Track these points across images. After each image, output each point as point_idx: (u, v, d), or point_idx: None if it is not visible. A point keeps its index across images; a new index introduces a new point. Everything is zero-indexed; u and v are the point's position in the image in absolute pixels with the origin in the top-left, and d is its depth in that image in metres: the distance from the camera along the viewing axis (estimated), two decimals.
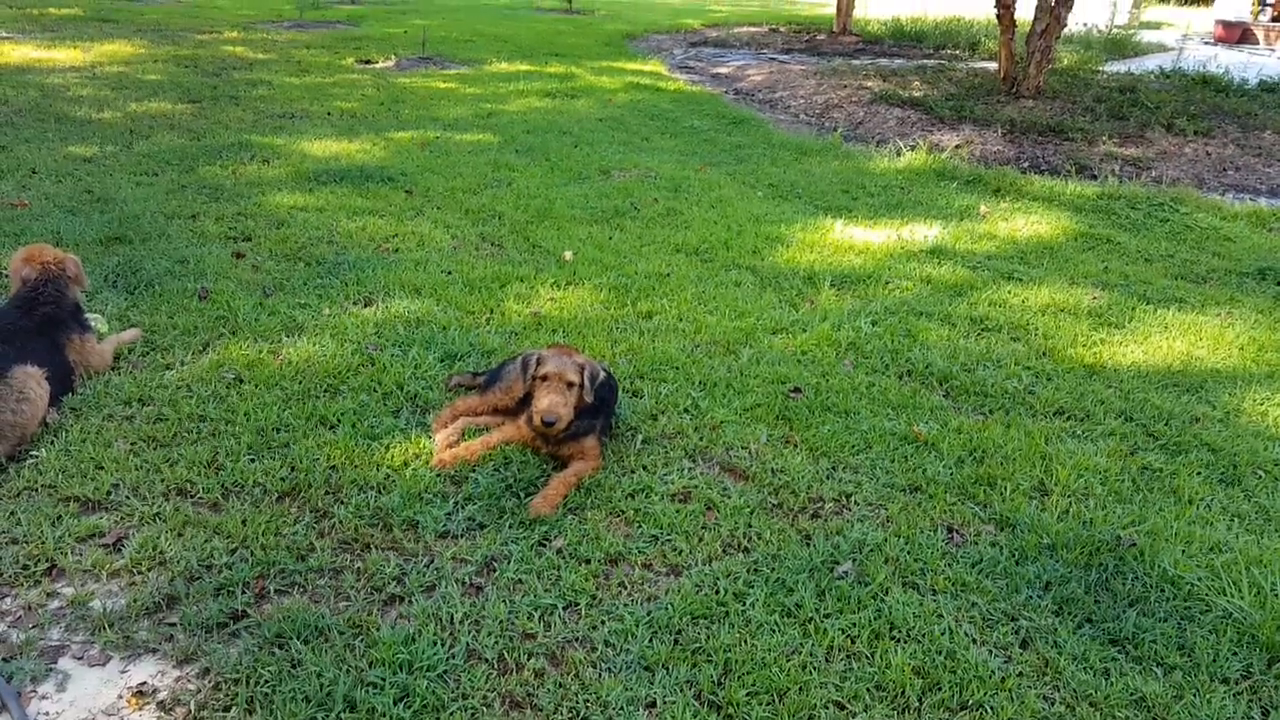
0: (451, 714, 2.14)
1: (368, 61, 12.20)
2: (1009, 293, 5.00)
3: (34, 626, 2.34)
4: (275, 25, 15.69)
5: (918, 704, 2.23)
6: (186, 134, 7.57)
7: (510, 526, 2.79)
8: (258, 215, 5.57)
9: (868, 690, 2.26)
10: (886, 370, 4.00)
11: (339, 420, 3.30)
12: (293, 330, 4.02)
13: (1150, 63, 14.39)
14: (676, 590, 2.56)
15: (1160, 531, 2.92)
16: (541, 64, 12.66)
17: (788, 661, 2.32)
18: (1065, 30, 10.88)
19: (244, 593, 2.46)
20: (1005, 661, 2.39)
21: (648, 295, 4.67)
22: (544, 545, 2.73)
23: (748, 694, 2.22)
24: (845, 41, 16.97)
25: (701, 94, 11.33)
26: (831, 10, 19.38)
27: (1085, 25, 17.83)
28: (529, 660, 2.30)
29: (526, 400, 3.13)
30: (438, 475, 2.99)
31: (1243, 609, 2.56)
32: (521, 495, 2.95)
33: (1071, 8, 10.16)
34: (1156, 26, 22.92)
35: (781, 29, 19.25)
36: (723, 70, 13.63)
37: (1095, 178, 7.85)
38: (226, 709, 2.12)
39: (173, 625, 2.36)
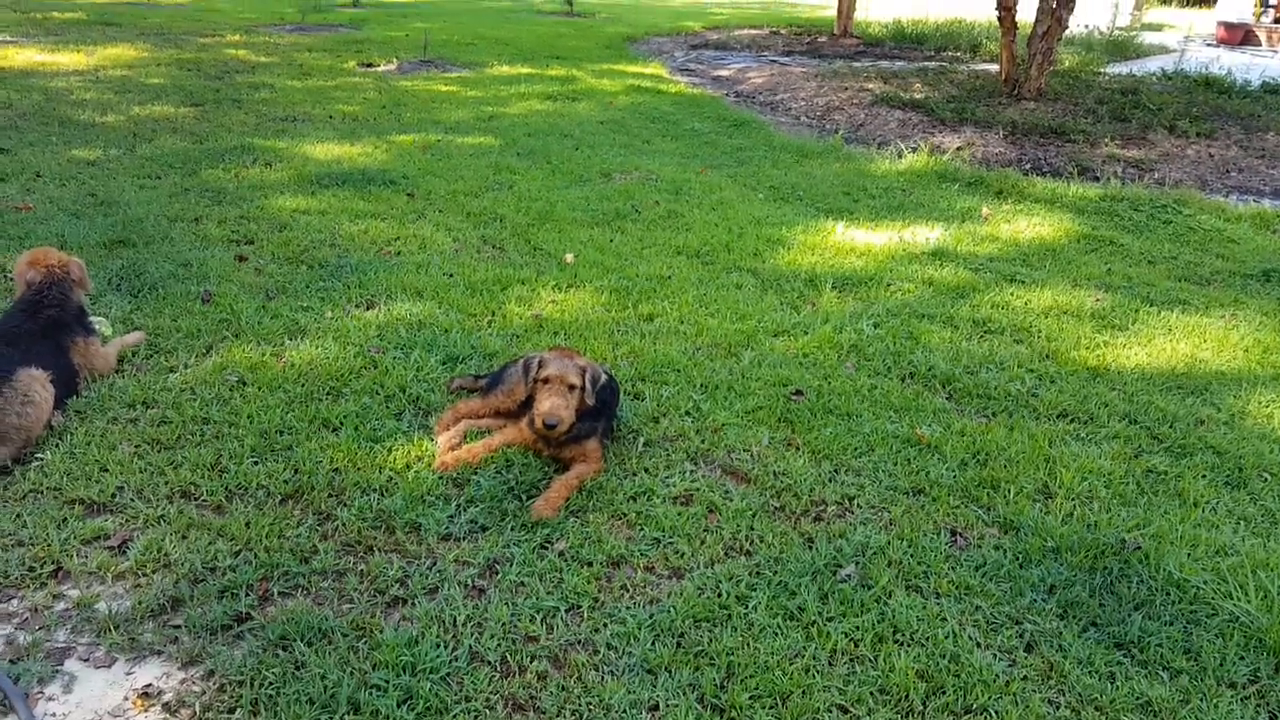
0: (454, 716, 2.14)
1: (369, 65, 12.23)
2: (1011, 295, 5.00)
3: (40, 628, 2.35)
4: (277, 28, 15.73)
5: (921, 708, 2.23)
6: (189, 137, 7.59)
7: (512, 529, 2.79)
8: (260, 218, 5.58)
9: (871, 694, 2.25)
10: (889, 373, 3.99)
11: (342, 423, 3.31)
12: (295, 333, 4.02)
13: (1152, 64, 14.38)
14: (679, 593, 2.56)
15: (1165, 534, 2.91)
16: (542, 67, 12.68)
17: (790, 665, 2.32)
18: (1066, 32, 10.88)
19: (248, 595, 2.47)
20: (1009, 665, 2.38)
21: (649, 298, 4.67)
22: (546, 548, 2.73)
23: (750, 697, 2.22)
24: (846, 44, 16.98)
25: (702, 96, 11.34)
26: (832, 13, 19.38)
27: (1087, 27, 17.82)
28: (532, 663, 2.30)
29: (528, 403, 3.13)
30: (440, 478, 3.00)
31: (1249, 612, 2.56)
32: (523, 498, 2.95)
33: (1073, 9, 10.16)
34: (1158, 28, 22.91)
35: (782, 31, 19.26)
36: (723, 73, 13.64)
37: (1097, 179, 7.84)
38: (231, 711, 2.12)
39: (177, 627, 2.36)
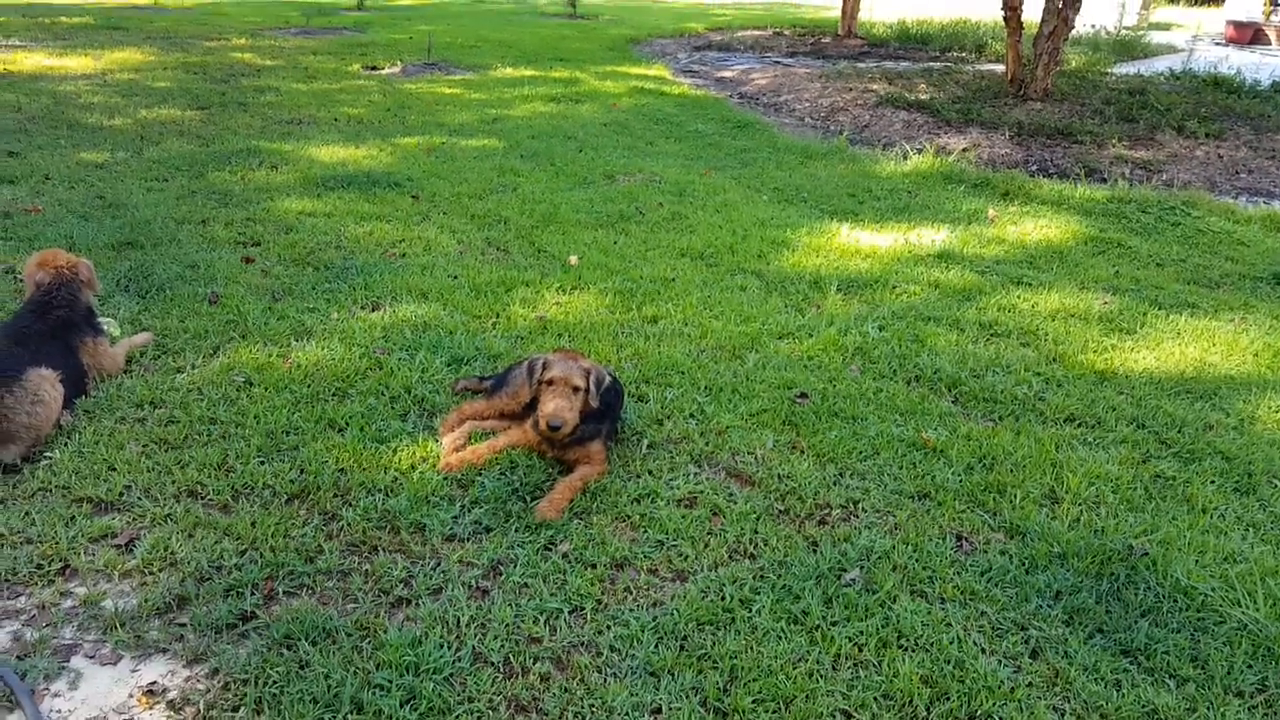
0: (457, 717, 2.14)
1: (374, 68, 12.26)
2: (1018, 297, 4.98)
3: (47, 625, 2.36)
4: (283, 32, 15.79)
5: (925, 713, 2.22)
6: (196, 140, 7.62)
7: (516, 530, 2.80)
8: (266, 220, 5.60)
9: (875, 699, 2.25)
10: (894, 376, 3.98)
11: (347, 423, 3.32)
12: (301, 334, 4.04)
13: (1160, 64, 14.33)
14: (682, 596, 2.56)
15: (1173, 541, 2.89)
16: (546, 69, 12.69)
17: (794, 669, 2.32)
18: (1073, 32, 10.83)
19: (253, 594, 2.48)
20: (1015, 671, 2.37)
21: (653, 300, 4.67)
22: (550, 549, 2.73)
23: (753, 701, 2.22)
24: (850, 44, 16.96)
25: (706, 98, 11.34)
26: (836, 13, 19.37)
27: (1093, 27, 17.77)
28: (535, 664, 2.30)
29: (533, 405, 3.14)
30: (444, 479, 3.00)
31: (1258, 620, 2.54)
32: (527, 499, 2.95)
33: (1079, 9, 10.12)
34: (1166, 27, 22.82)
35: (786, 32, 19.25)
36: (727, 74, 13.64)
37: (1105, 181, 7.81)
38: (235, 709, 2.13)
39: (183, 625, 2.37)
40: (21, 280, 3.82)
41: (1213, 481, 3.30)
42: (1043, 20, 10.16)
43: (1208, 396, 3.97)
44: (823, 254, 5.56)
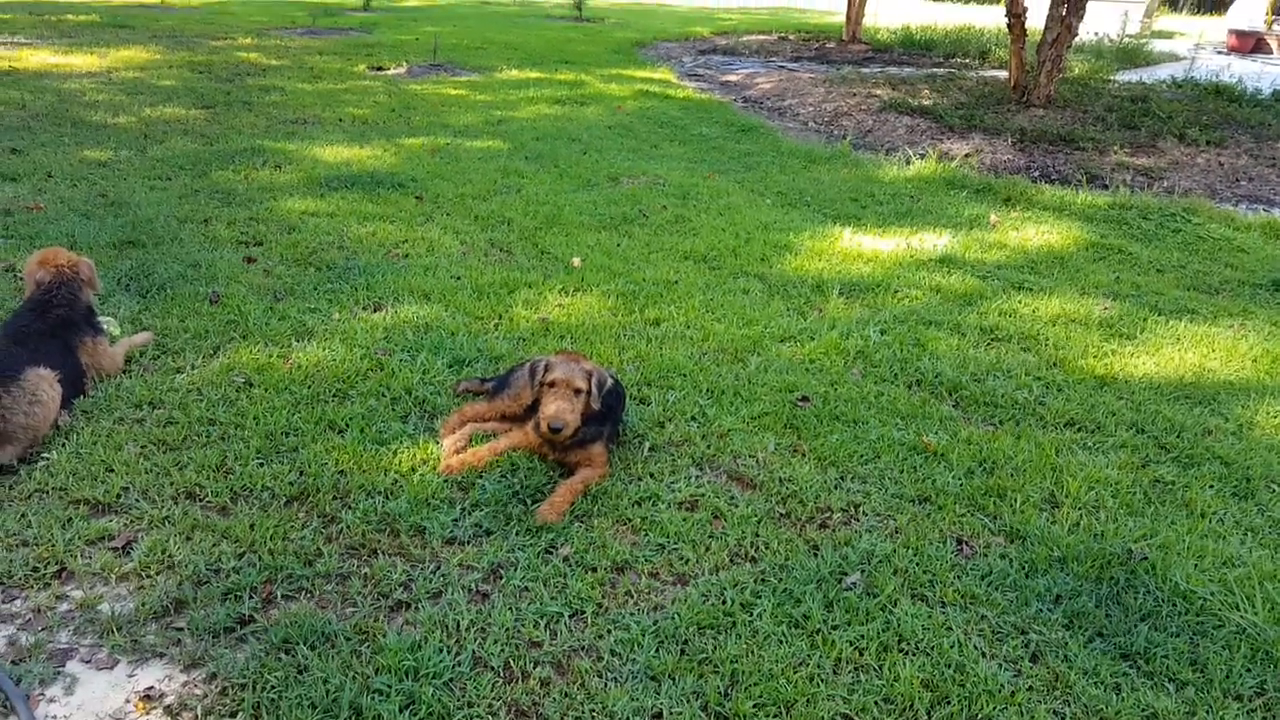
0: None
1: (379, 68, 12.28)
2: (1019, 302, 4.98)
3: (43, 629, 2.35)
4: (288, 32, 15.81)
5: (926, 717, 2.21)
6: (200, 139, 7.63)
7: (517, 533, 2.79)
8: (269, 220, 5.60)
9: (876, 703, 2.24)
10: (895, 379, 3.98)
11: (347, 425, 3.31)
12: (302, 335, 4.03)
13: (1162, 72, 14.34)
14: (683, 599, 2.55)
15: (1172, 545, 2.89)
16: (551, 71, 12.71)
17: (795, 673, 2.31)
18: (1076, 39, 10.84)
19: (251, 597, 2.47)
20: (1015, 675, 2.36)
21: (656, 302, 4.67)
22: (551, 553, 2.73)
23: (754, 705, 2.21)
24: (854, 50, 16.98)
25: (710, 101, 11.35)
26: (841, 18, 19.39)
27: (1096, 34, 17.78)
28: (535, 669, 2.29)
29: (534, 407, 3.13)
30: (445, 481, 3.00)
31: (1256, 624, 2.54)
32: (528, 502, 2.95)
33: (1083, 17, 10.14)
34: (1169, 36, 22.84)
35: (791, 37, 19.28)
36: (732, 78, 13.66)
37: (1106, 187, 7.81)
38: (233, 714, 2.12)
39: (180, 629, 2.36)
40: (21, 279, 3.82)
41: (1212, 486, 3.29)
42: (1046, 27, 10.17)
43: (1207, 402, 3.96)
44: (825, 258, 5.56)
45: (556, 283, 4.85)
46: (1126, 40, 17.78)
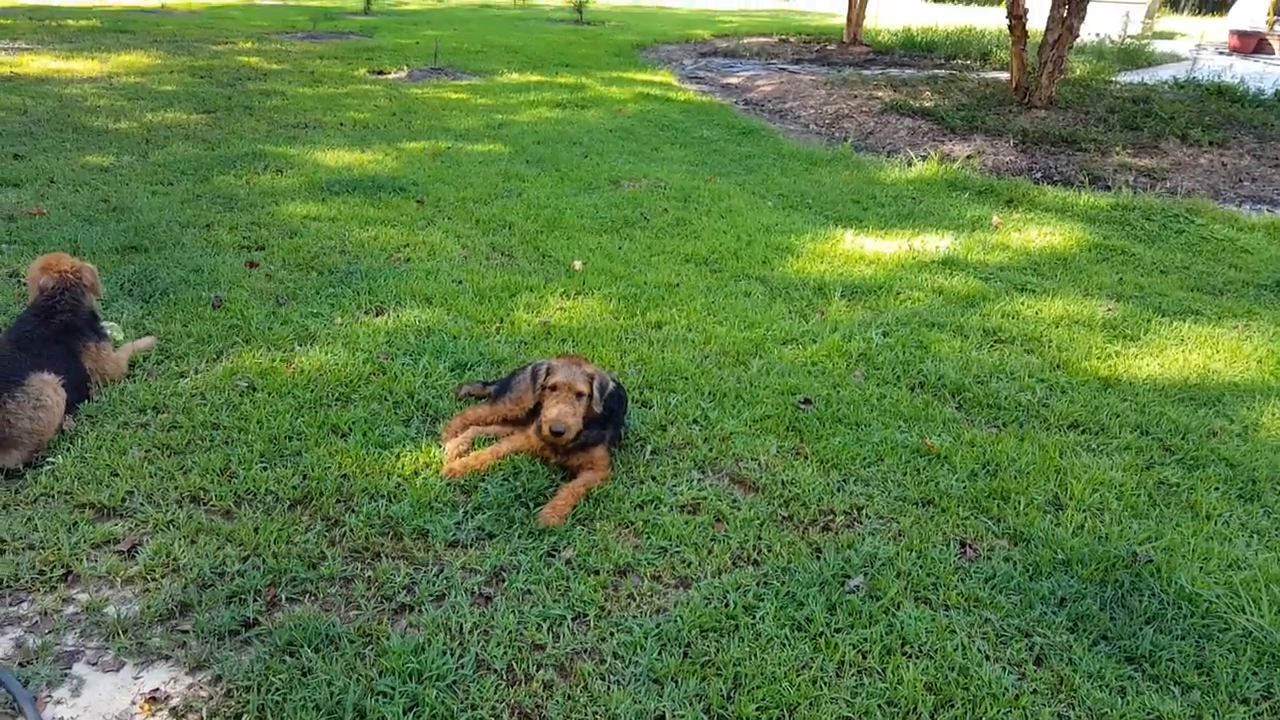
0: None
1: (380, 72, 12.30)
2: (1022, 304, 4.98)
3: (49, 632, 2.35)
4: (289, 36, 15.85)
5: None
6: (201, 144, 7.65)
7: (519, 536, 2.79)
8: (271, 225, 5.61)
9: (879, 706, 2.24)
10: (898, 382, 3.98)
11: (350, 429, 3.32)
12: (305, 339, 4.04)
13: (1164, 73, 14.34)
14: (686, 602, 2.55)
15: (1177, 547, 2.89)
16: (552, 75, 12.73)
17: (798, 676, 2.31)
18: (1078, 40, 10.84)
19: (256, 600, 2.47)
20: (1019, 679, 2.36)
21: (657, 305, 4.67)
22: (553, 556, 2.73)
23: (757, 708, 2.21)
24: (856, 52, 16.99)
25: (711, 104, 11.36)
26: (842, 20, 19.41)
27: (1098, 35, 17.78)
28: (538, 671, 2.29)
29: (536, 410, 3.13)
30: (447, 484, 3.00)
31: (1262, 627, 2.53)
32: (530, 505, 2.95)
33: (1084, 18, 10.14)
34: (1170, 36, 22.83)
35: (791, 39, 19.29)
36: (732, 80, 13.67)
37: (1109, 188, 7.81)
38: (238, 716, 2.12)
39: (185, 632, 2.37)
40: (25, 284, 3.83)
41: (1217, 488, 3.29)
42: (1047, 29, 10.17)
43: (1211, 403, 3.96)
44: (827, 260, 5.56)
45: (558, 286, 4.85)
46: (1128, 41, 17.78)
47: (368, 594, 2.54)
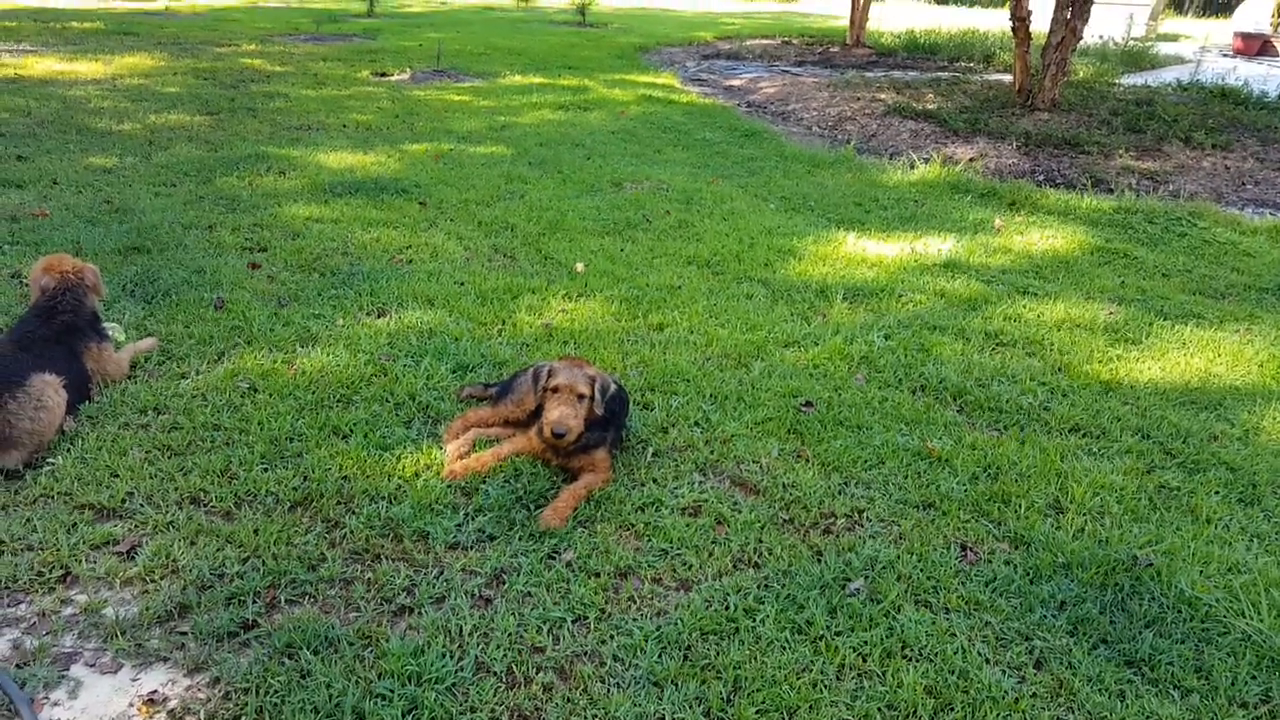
0: None
1: (383, 74, 12.32)
2: (1024, 307, 4.97)
3: (47, 633, 2.36)
4: (292, 38, 15.89)
5: None
6: (204, 145, 7.66)
7: (520, 538, 2.79)
8: (274, 226, 5.62)
9: (879, 710, 2.23)
10: (899, 385, 3.97)
11: (351, 430, 3.32)
12: (307, 340, 4.04)
13: (1167, 75, 14.32)
14: (686, 605, 2.55)
15: (1178, 551, 2.88)
16: (555, 77, 12.74)
17: (798, 679, 2.30)
18: (1081, 43, 10.84)
19: (255, 602, 2.47)
20: (1019, 682, 2.36)
21: (659, 307, 4.67)
22: (553, 558, 2.73)
23: (757, 712, 2.21)
24: (858, 54, 16.99)
25: (714, 106, 11.37)
26: (845, 23, 19.41)
27: (1101, 38, 17.77)
28: (538, 674, 2.29)
29: (537, 412, 3.13)
30: (448, 486, 3.00)
31: (1262, 631, 2.52)
32: (531, 507, 2.95)
33: (1088, 20, 10.13)
34: (1174, 39, 22.81)
35: (794, 41, 19.30)
36: (735, 83, 13.67)
37: (1111, 191, 7.80)
38: (236, 719, 2.12)
39: (184, 634, 2.37)
40: (27, 285, 3.84)
41: (1217, 492, 3.28)
42: (1051, 31, 10.16)
43: (1213, 407, 3.95)
44: (829, 263, 5.56)
45: (560, 288, 4.85)
46: (1131, 43, 17.77)
47: (367, 596, 2.54)
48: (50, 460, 3.03)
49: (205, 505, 2.88)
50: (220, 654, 2.30)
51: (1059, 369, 4.24)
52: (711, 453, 3.33)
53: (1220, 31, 23.07)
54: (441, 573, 2.64)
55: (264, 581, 2.54)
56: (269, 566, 2.60)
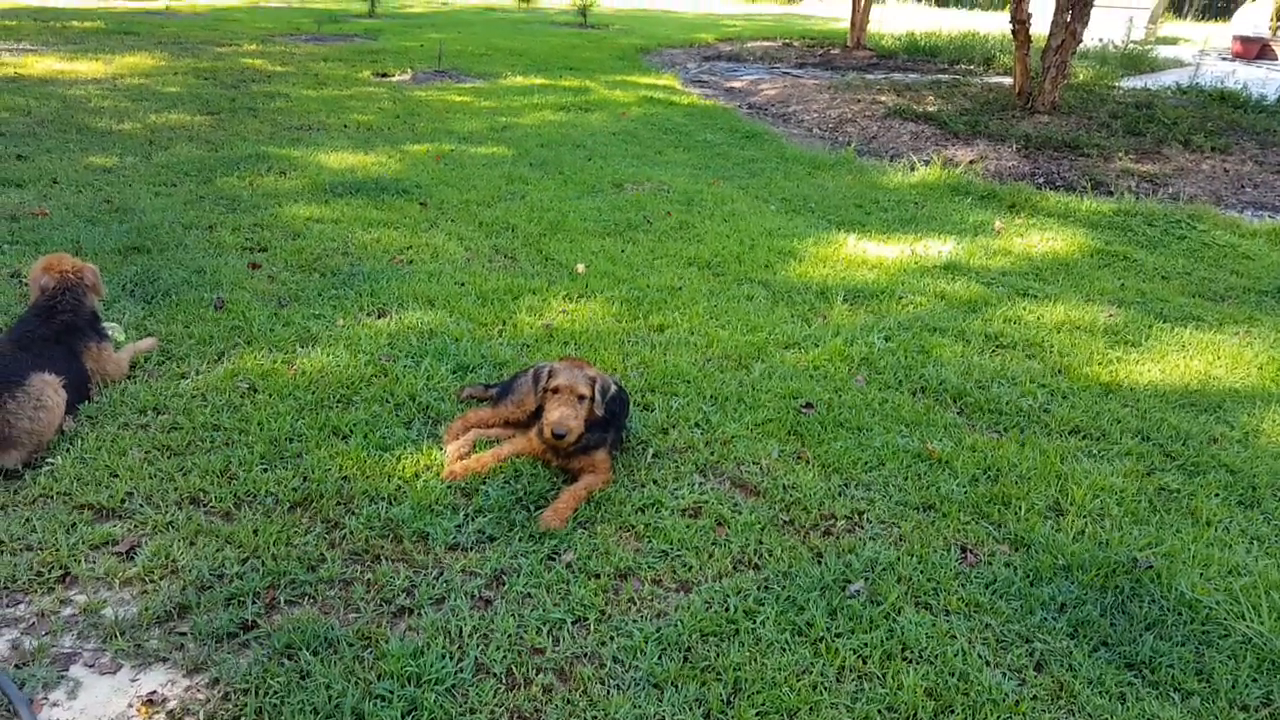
0: None
1: (384, 74, 12.33)
2: (1024, 309, 4.97)
3: (46, 633, 2.35)
4: (293, 38, 15.89)
5: None
6: (205, 145, 7.66)
7: (520, 539, 2.79)
8: (274, 226, 5.62)
9: (879, 712, 2.23)
10: (900, 386, 3.97)
11: (351, 431, 3.32)
12: (307, 341, 4.04)
13: (1167, 78, 14.33)
14: (686, 607, 2.54)
15: (1178, 554, 2.88)
16: (556, 78, 12.74)
17: (798, 681, 2.30)
18: (1081, 46, 10.85)
19: (254, 603, 2.47)
20: (1019, 684, 2.35)
21: (659, 309, 4.67)
22: (553, 559, 2.72)
23: (757, 714, 2.20)
24: (859, 56, 17.00)
25: (715, 108, 11.37)
26: (845, 25, 19.43)
27: (1101, 41, 17.79)
28: (537, 675, 2.29)
29: (538, 413, 3.13)
30: (448, 487, 3.00)
31: (1262, 634, 2.52)
32: (531, 508, 2.95)
33: (1087, 23, 10.14)
34: (1173, 42, 22.84)
35: (795, 43, 19.31)
36: (736, 84, 13.68)
37: (1111, 194, 7.80)
38: (235, 719, 2.12)
39: (183, 634, 2.36)
40: (27, 284, 3.83)
41: (1217, 494, 3.28)
42: (1051, 34, 10.17)
43: (1212, 409, 3.95)
44: (829, 264, 5.56)
45: (560, 289, 4.85)
46: (1131, 46, 17.79)
47: (367, 597, 2.53)
48: (50, 460, 3.03)
49: (205, 505, 2.88)
50: (220, 655, 2.30)
51: (1059, 371, 4.24)
52: (712, 454, 3.33)
53: (1219, 35, 23.10)
54: (441, 574, 2.64)
55: (263, 582, 2.54)
56: (268, 567, 2.59)
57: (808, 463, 3.33)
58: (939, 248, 6.01)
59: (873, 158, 9.04)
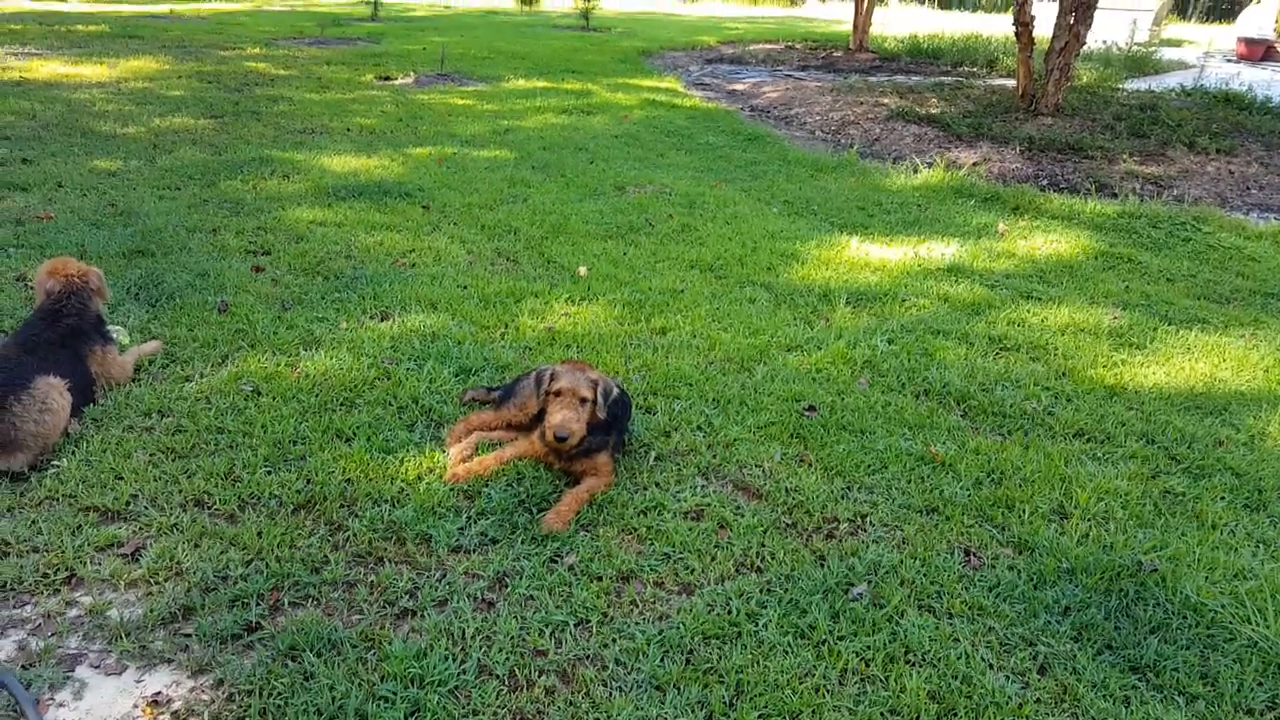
0: None
1: (387, 78, 12.36)
2: (1028, 312, 4.97)
3: (52, 634, 2.36)
4: (297, 42, 15.94)
5: None
6: (208, 149, 7.69)
7: (522, 542, 2.79)
8: (277, 230, 5.64)
9: (882, 715, 2.23)
10: (903, 389, 3.97)
11: (355, 433, 3.32)
12: (310, 344, 4.05)
13: (1171, 80, 14.31)
14: (688, 609, 2.54)
15: (1182, 557, 2.87)
16: (558, 81, 12.77)
17: (800, 684, 2.30)
18: (1084, 47, 10.84)
19: (259, 604, 2.48)
20: (1023, 688, 2.35)
21: (662, 311, 4.68)
22: (556, 561, 2.73)
23: (759, 716, 2.20)
24: (862, 58, 17.01)
25: (717, 110, 11.38)
26: (848, 27, 19.43)
27: (1105, 43, 17.77)
28: (540, 677, 2.29)
29: (540, 416, 3.14)
30: (451, 489, 3.00)
31: (1268, 637, 2.51)
32: (534, 511, 2.95)
33: (1091, 25, 10.13)
34: (1177, 44, 22.81)
35: (798, 46, 19.32)
36: (738, 87, 13.69)
37: (1115, 196, 7.79)
38: None
39: (188, 636, 2.37)
40: (32, 288, 3.85)
41: (1223, 498, 3.27)
42: (1054, 36, 10.17)
43: (1218, 412, 3.94)
44: (832, 267, 5.56)
45: (563, 292, 4.86)
46: (1135, 48, 17.76)
47: (370, 599, 2.54)
48: (55, 463, 3.04)
49: (209, 508, 2.89)
50: (224, 656, 2.30)
51: (1063, 374, 4.24)
52: (714, 457, 3.33)
53: (1224, 37, 23.06)
54: (444, 576, 2.64)
55: (267, 584, 2.54)
56: (272, 569, 2.60)
57: (810, 465, 3.33)
58: (942, 250, 6.00)
59: (875, 160, 9.04)
